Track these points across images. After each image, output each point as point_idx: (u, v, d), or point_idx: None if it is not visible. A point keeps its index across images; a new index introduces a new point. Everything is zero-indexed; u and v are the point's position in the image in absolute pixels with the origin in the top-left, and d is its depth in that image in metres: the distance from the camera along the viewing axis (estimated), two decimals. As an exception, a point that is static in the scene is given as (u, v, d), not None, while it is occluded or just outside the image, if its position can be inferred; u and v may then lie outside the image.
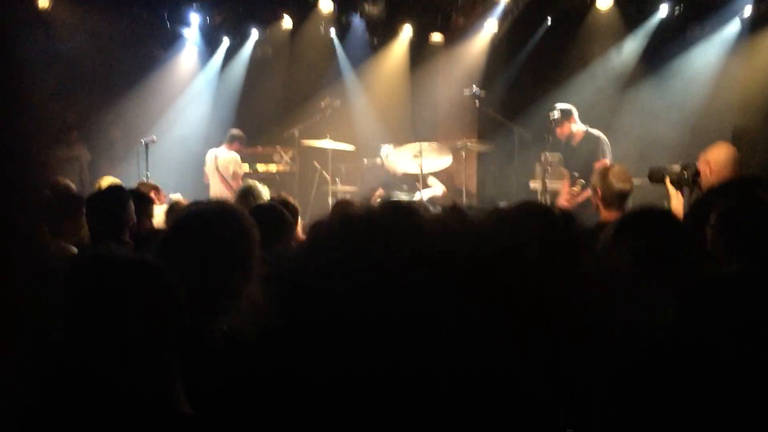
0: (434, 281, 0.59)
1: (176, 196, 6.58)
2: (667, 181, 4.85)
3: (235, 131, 8.65)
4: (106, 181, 6.33)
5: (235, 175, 8.38)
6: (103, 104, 9.32)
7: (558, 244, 0.67)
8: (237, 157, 8.50)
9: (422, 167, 7.67)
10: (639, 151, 7.79)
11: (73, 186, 5.44)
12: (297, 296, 0.63)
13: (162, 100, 9.66)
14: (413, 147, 7.72)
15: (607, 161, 6.28)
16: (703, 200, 4.38)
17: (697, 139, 6.36)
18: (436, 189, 8.01)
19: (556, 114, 6.68)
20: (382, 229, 0.64)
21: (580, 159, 6.57)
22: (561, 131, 6.74)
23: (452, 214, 0.69)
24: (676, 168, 4.88)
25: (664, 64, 8.41)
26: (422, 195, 7.68)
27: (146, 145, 7.77)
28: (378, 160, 8.24)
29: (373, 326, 0.58)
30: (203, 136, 9.63)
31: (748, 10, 8.03)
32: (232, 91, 10.02)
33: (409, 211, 0.66)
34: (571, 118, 6.70)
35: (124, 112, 9.37)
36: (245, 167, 9.05)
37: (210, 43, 9.90)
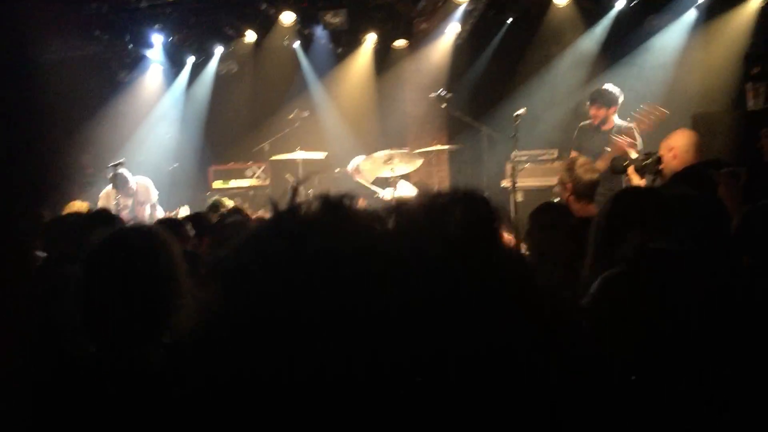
0: (357, 275, 0.60)
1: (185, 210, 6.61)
2: (631, 169, 4.94)
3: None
4: (75, 206, 6.29)
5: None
6: (69, 131, 9.24)
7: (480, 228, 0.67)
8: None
9: (393, 171, 7.70)
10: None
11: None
12: (236, 292, 0.64)
13: (130, 123, 9.62)
14: (383, 155, 7.75)
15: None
16: (670, 184, 4.48)
17: (658, 127, 6.43)
18: (407, 190, 8.04)
19: (601, 94, 6.24)
20: (311, 223, 0.65)
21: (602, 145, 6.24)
22: (597, 113, 6.28)
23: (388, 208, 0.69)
24: (639, 156, 4.97)
25: (623, 55, 8.53)
26: (391, 193, 7.70)
27: (115, 168, 7.72)
28: (348, 169, 8.27)
29: (298, 323, 0.59)
30: (173, 156, 9.60)
31: (703, -2, 8.19)
32: (199, 109, 10.01)
33: (338, 203, 0.67)
34: (614, 107, 6.28)
35: (92, 137, 9.30)
36: (218, 184, 9.06)
37: (175, 63, 9.87)
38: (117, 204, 7.87)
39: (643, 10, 8.44)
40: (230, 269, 0.64)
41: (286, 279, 0.61)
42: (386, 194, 7.74)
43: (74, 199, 7.50)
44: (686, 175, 4.35)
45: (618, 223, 1.95)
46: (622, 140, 5.38)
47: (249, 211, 6.56)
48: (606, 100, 6.18)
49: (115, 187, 7.94)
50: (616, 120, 6.21)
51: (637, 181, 4.87)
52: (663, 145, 4.68)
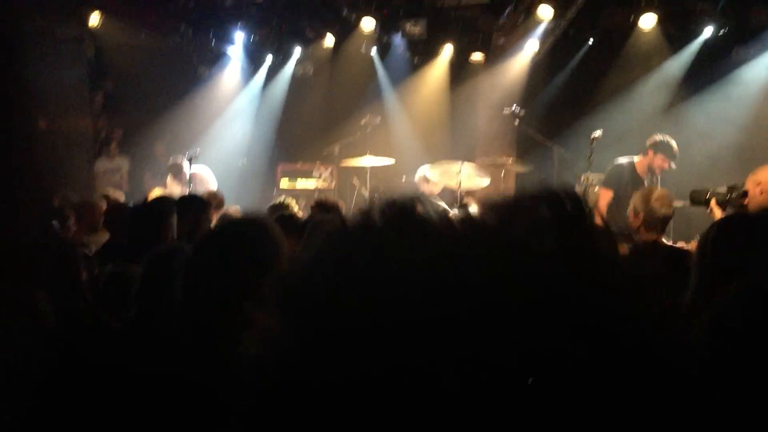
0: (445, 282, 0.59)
1: (234, 208, 6.72)
2: (713, 202, 4.79)
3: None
4: (155, 192, 6.49)
5: None
6: (148, 119, 9.52)
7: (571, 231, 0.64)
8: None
9: (460, 183, 7.66)
10: (683, 174, 7.69)
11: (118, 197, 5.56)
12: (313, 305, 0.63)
13: (206, 117, 9.85)
14: (452, 166, 7.72)
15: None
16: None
17: (744, 161, 6.26)
18: (472, 209, 8.00)
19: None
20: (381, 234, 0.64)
21: None
22: (662, 164, 6.54)
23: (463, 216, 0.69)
24: (722, 189, 4.83)
25: (708, 84, 8.31)
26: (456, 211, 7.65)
27: (189, 159, 7.89)
28: (416, 179, 8.26)
29: (391, 330, 0.58)
30: (245, 152, 9.78)
31: (794, 32, 7.92)
32: (273, 108, 10.17)
33: (410, 211, 0.66)
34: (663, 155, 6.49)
35: (169, 128, 9.56)
36: (285, 182, 9.20)
37: (253, 61, 10.06)
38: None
39: (731, 41, 8.21)
40: (311, 278, 0.64)
41: (365, 290, 0.61)
42: (453, 208, 7.68)
43: (149, 188, 7.72)
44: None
45: (724, 254, 1.86)
46: None
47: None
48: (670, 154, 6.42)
49: (171, 173, 8.21)
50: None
51: (719, 215, 4.73)
52: (750, 180, 4.53)
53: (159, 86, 9.51)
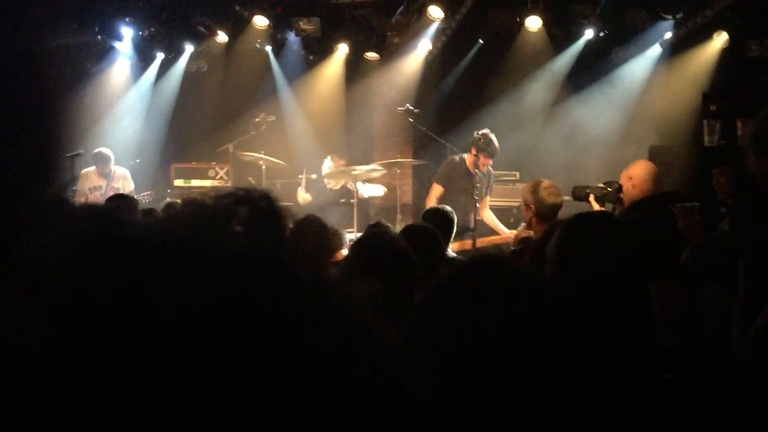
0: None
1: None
2: (591, 198, 5.06)
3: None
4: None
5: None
6: (33, 117, 9.08)
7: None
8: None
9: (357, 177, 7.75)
10: (566, 168, 8.11)
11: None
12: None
13: (93, 114, 9.47)
14: (345, 163, 7.84)
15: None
16: (629, 212, 4.62)
17: (620, 158, 6.62)
18: (377, 189, 8.15)
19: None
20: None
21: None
22: (485, 162, 6.98)
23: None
24: (600, 185, 5.10)
25: (590, 83, 8.76)
26: (364, 189, 7.77)
27: (72, 158, 7.63)
28: (313, 176, 8.27)
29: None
30: (136, 150, 9.49)
31: (668, 35, 8.44)
32: (165, 106, 9.91)
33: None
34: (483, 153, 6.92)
35: (55, 125, 9.14)
36: (179, 182, 9.01)
37: (143, 57, 9.76)
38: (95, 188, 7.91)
39: (611, 42, 8.67)
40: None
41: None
42: (362, 189, 7.71)
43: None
44: (644, 204, 4.49)
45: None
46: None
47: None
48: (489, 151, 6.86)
49: (95, 163, 7.95)
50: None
51: (597, 209, 4.98)
52: (623, 175, 4.80)
53: (45, 83, 9.08)
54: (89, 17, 8.99)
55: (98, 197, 7.70)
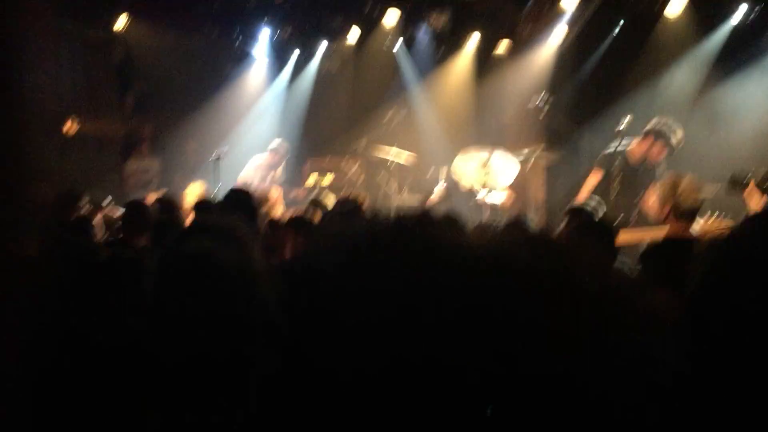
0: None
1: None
2: (752, 184, 4.63)
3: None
4: (193, 187, 6.79)
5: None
6: (177, 120, 9.65)
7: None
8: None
9: (488, 177, 7.61)
10: (717, 159, 7.54)
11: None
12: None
13: (233, 115, 9.94)
14: (480, 156, 7.67)
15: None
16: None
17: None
18: (500, 195, 7.85)
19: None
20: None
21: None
22: (661, 150, 6.39)
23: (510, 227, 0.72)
24: (762, 171, 4.68)
25: (739, 69, 8.12)
26: (486, 197, 7.58)
27: (218, 157, 7.99)
28: (443, 170, 8.24)
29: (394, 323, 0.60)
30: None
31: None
32: (300, 104, 10.23)
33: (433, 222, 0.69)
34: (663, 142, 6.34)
35: (198, 127, 9.67)
36: (313, 177, 9.27)
37: (279, 58, 10.13)
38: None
39: (762, 24, 8.01)
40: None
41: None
42: (487, 197, 7.60)
43: (179, 186, 7.83)
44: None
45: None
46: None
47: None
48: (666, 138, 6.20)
49: (279, 154, 8.67)
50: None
51: (757, 200, 4.59)
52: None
53: (187, 86, 9.62)
54: (229, 23, 9.42)
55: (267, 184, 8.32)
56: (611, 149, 6.49)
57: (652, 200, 6.11)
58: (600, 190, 6.36)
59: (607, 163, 6.42)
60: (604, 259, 0.68)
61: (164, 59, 9.33)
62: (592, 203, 4.94)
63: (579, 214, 4.58)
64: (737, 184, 4.79)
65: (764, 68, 8.03)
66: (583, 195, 6.25)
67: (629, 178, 6.30)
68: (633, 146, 6.41)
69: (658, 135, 6.25)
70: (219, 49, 9.90)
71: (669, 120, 6.36)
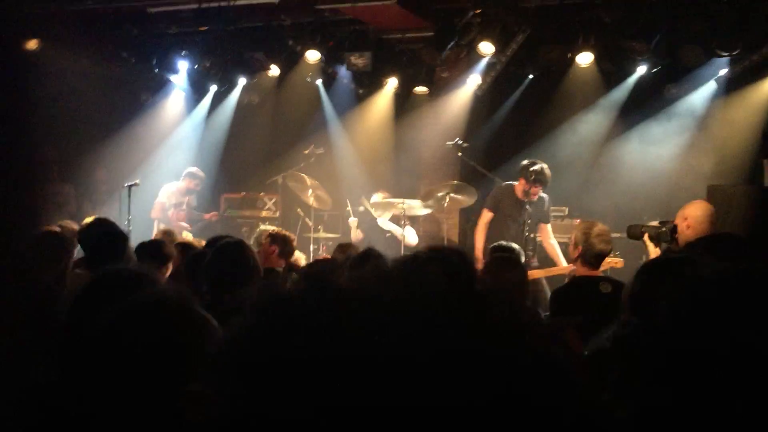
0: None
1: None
2: (646, 237, 4.95)
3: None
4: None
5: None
6: (89, 146, 9.36)
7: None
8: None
9: (404, 211, 7.85)
10: (616, 205, 7.97)
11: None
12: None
13: (148, 144, 9.73)
14: (397, 203, 7.92)
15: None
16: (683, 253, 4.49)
17: (674, 196, 6.48)
18: (412, 237, 8.19)
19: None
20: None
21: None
22: (536, 191, 7.01)
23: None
24: (655, 224, 4.99)
25: (641, 121, 8.61)
26: (405, 233, 7.88)
27: (129, 188, 7.79)
28: (361, 208, 8.32)
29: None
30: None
31: (723, 71, 8.26)
32: (217, 137, 10.12)
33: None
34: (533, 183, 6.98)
35: (110, 155, 9.41)
36: (230, 212, 9.16)
37: (197, 89, 10.00)
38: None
39: (664, 78, 8.53)
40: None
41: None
42: (402, 234, 7.87)
43: (88, 213, 7.57)
44: (699, 245, 4.36)
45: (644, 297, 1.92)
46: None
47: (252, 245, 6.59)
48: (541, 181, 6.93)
49: (191, 178, 8.78)
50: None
51: (652, 248, 4.88)
52: (678, 215, 4.70)
53: (100, 112, 9.37)
54: (147, 50, 9.26)
55: (181, 212, 8.35)
56: (497, 188, 7.39)
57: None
58: (494, 225, 7.10)
59: (495, 201, 7.24)
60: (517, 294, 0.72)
61: (77, 84, 9.06)
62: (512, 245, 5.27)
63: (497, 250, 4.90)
64: (633, 236, 5.11)
65: (663, 120, 8.54)
66: (479, 230, 7.01)
67: (517, 210, 7.07)
68: (516, 185, 7.13)
69: (526, 176, 6.94)
70: (136, 77, 9.71)
71: (532, 160, 7.01)
